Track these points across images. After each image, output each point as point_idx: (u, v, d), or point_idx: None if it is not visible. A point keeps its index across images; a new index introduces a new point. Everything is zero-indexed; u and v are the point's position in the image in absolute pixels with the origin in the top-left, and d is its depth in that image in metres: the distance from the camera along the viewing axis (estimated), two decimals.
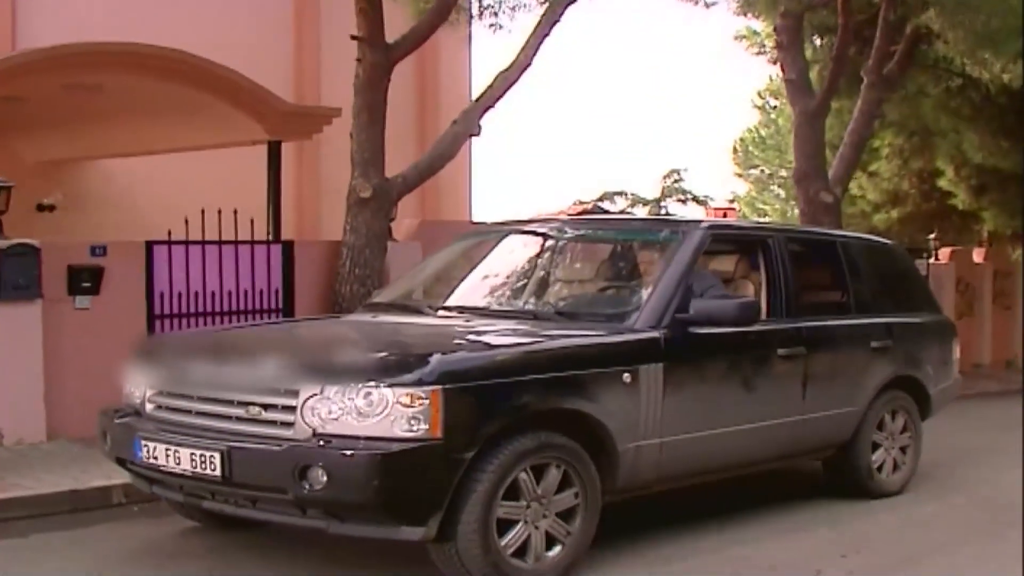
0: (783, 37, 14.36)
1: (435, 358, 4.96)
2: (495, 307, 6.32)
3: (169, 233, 9.01)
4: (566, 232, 6.94)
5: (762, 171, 29.78)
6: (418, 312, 6.41)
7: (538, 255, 6.83)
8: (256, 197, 11.34)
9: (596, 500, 5.50)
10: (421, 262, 7.65)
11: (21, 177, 14.13)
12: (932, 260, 16.97)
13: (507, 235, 7.12)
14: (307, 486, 4.82)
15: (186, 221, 8.93)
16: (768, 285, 6.82)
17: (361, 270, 9.53)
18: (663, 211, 29.35)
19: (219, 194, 10.05)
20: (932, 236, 17.57)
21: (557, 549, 5.36)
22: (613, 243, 6.89)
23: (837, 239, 7.62)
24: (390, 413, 4.83)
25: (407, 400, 4.82)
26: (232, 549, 6.01)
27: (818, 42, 17.01)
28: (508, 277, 6.69)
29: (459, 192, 18.24)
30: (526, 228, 7.12)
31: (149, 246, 8.95)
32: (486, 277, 6.76)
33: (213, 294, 9.23)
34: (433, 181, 17.85)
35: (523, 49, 9.99)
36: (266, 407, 5.10)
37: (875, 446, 7.48)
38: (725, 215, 30.53)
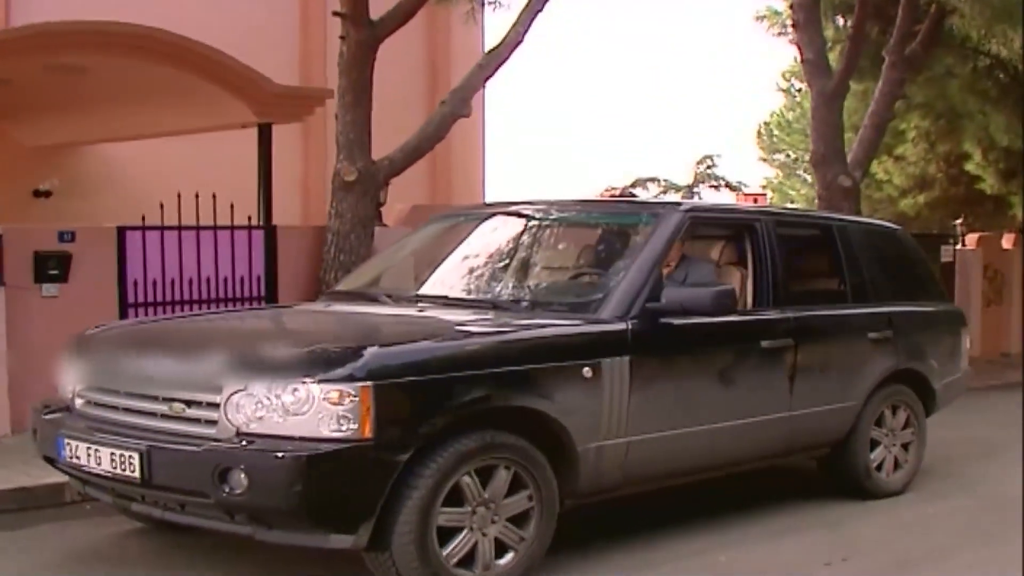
0: (799, 15, 13.78)
1: (368, 352, 4.55)
2: (453, 296, 5.90)
3: (143, 218, 8.66)
4: (538, 216, 6.50)
5: (788, 155, 29.04)
6: (374, 301, 6.00)
7: (508, 240, 6.41)
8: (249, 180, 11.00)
9: (553, 504, 5.08)
10: (389, 247, 7.23)
11: (18, 162, 13.98)
12: (959, 246, 16.34)
13: (479, 219, 6.70)
14: (227, 490, 4.43)
15: (161, 206, 8.56)
16: (754, 272, 6.35)
17: (346, 256, 9.14)
18: (696, 197, 28.82)
19: (221, 178, 9.77)
20: (958, 222, 16.94)
21: (509, 556, 4.94)
22: (586, 228, 6.45)
23: (833, 223, 7.12)
24: (317, 411, 4.43)
25: (335, 397, 4.42)
26: (177, 552, 5.64)
27: (840, 21, 16.46)
28: (473, 264, 6.26)
29: (472, 176, 17.82)
30: (499, 211, 6.69)
31: (121, 231, 8.60)
32: (450, 264, 6.33)
33: (191, 281, 8.87)
34: (445, 165, 17.70)
35: (514, 26, 9.54)
36: (189, 404, 4.72)
37: (874, 443, 7.00)
38: (756, 201, 29.92)
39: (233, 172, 10.88)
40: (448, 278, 6.24)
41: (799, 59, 14.45)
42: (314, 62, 15.52)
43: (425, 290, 6.07)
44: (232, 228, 9.00)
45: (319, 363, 4.52)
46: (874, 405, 6.90)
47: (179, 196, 8.57)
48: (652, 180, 28.90)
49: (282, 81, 11.25)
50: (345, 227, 9.24)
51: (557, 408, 5.02)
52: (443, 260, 6.41)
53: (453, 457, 4.68)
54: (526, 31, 9.49)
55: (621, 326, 5.35)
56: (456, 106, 9.46)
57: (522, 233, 6.35)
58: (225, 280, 9.04)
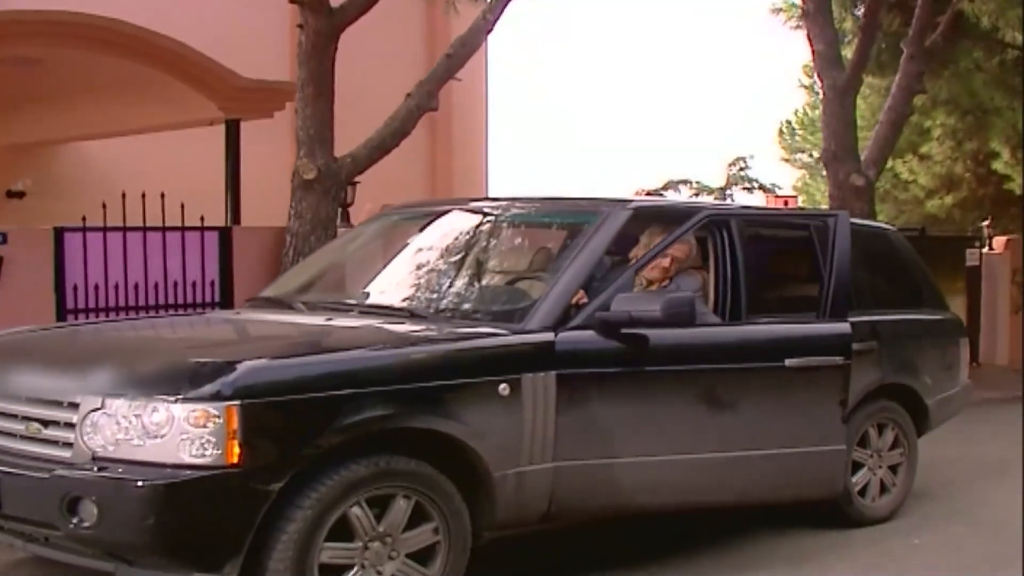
0: (809, 4, 13.23)
1: (241, 367, 4.07)
2: (371, 303, 5.41)
3: (84, 219, 8.25)
4: (489, 216, 6.00)
5: (811, 155, 28.25)
6: (289, 308, 5.52)
7: (450, 241, 5.90)
8: (242, 178, 10.59)
9: (463, 537, 4.57)
10: (326, 247, 6.78)
11: None
12: (985, 249, 15.64)
13: (426, 217, 6.21)
14: (76, 522, 3.97)
15: (104, 206, 8.15)
16: (715, 279, 5.81)
17: (305, 259, 8.67)
18: (728, 199, 28.17)
19: (202, 177, 9.34)
20: (985, 223, 16.23)
21: None
22: (533, 229, 5.95)
23: (812, 223, 6.55)
24: (177, 434, 3.95)
25: (198, 418, 3.94)
26: None
27: (860, 12, 15.86)
28: (405, 267, 5.78)
29: (475, 177, 17.30)
30: (451, 209, 6.19)
31: (59, 233, 8.19)
32: (381, 267, 5.88)
33: (136, 286, 8.44)
34: (446, 165, 17.25)
35: (484, 13, 9.04)
36: (46, 423, 4.26)
37: (857, 465, 6.42)
38: (786, 203, 29.16)
39: (216, 172, 10.48)
40: (375, 283, 5.76)
41: (810, 51, 13.85)
42: None
43: (346, 296, 5.61)
44: (183, 229, 8.57)
45: (183, 379, 4.05)
46: (856, 423, 6.33)
47: (123, 196, 8.16)
48: (684, 182, 28.13)
49: (276, 79, 10.87)
50: (305, 228, 8.79)
51: (467, 430, 4.51)
52: (375, 263, 5.96)
53: (339, 485, 4.19)
54: (496, 19, 9.00)
55: (547, 337, 4.84)
56: (423, 99, 8.97)
57: (468, 233, 5.85)
58: (175, 285, 8.62)
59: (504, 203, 6.13)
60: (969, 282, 14.86)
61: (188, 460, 3.94)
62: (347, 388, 4.23)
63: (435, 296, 5.40)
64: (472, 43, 9.08)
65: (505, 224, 5.94)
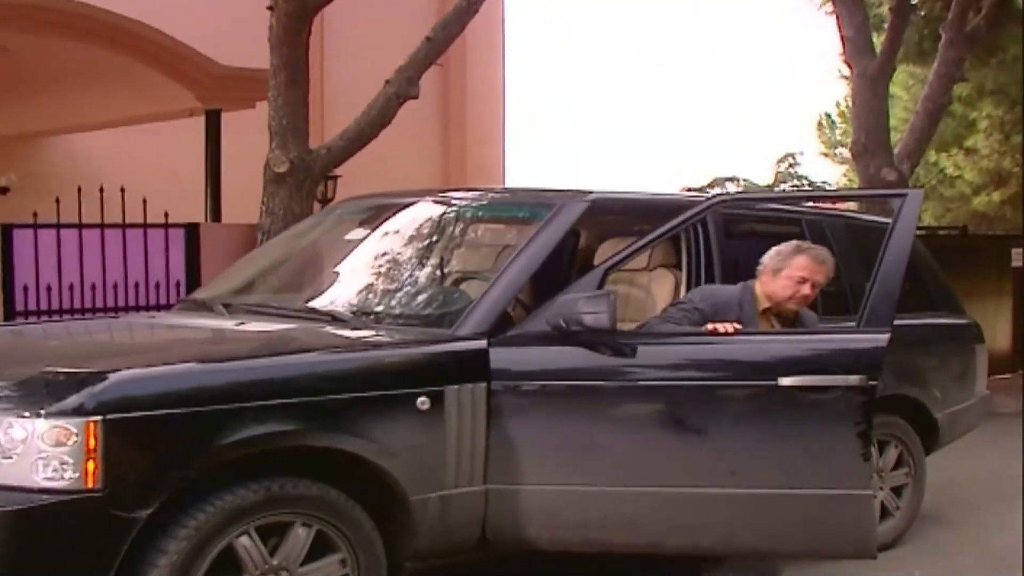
0: None
1: (109, 378, 3.69)
2: (293, 306, 5.02)
3: (35, 215, 7.95)
4: (447, 209, 5.60)
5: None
6: (209, 311, 5.15)
7: (398, 237, 5.50)
8: (236, 171, 10.23)
9: (376, 569, 4.17)
10: (265, 245, 6.41)
11: None
12: None
13: (365, 211, 5.81)
14: None
15: (57, 201, 7.85)
16: (688, 278, 5.37)
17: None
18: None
19: (199, 172, 9.01)
20: None
21: None
22: (488, 223, 5.54)
23: (802, 217, 6.08)
24: (31, 454, 3.59)
25: (55, 436, 3.58)
26: None
27: None
28: (334, 266, 5.39)
29: (492, 175, 16.86)
30: (389, 203, 5.79)
31: (7, 230, 7.90)
32: (313, 266, 5.50)
33: (93, 287, 8.13)
34: (460, 161, 16.83)
35: None
36: None
37: None
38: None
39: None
40: (307, 283, 5.39)
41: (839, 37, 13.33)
42: None
43: (272, 299, 5.22)
44: (145, 226, 8.24)
45: (44, 392, 3.68)
46: None
47: (79, 190, 7.86)
48: (731, 179, 27.53)
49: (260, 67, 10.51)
50: (277, 225, 8.42)
51: (378, 449, 4.10)
52: (314, 261, 5.57)
53: (222, 512, 3.80)
54: (481, 0, 8.59)
55: (476, 345, 4.42)
56: (402, 87, 8.57)
57: (415, 229, 5.43)
58: (136, 285, 8.29)
59: (462, 196, 5.72)
60: (1016, 284, 14.23)
61: (43, 483, 3.58)
62: (232, 402, 3.84)
63: (365, 299, 5.00)
64: (454, 27, 8.69)
65: (456, 219, 5.53)
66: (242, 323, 4.75)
